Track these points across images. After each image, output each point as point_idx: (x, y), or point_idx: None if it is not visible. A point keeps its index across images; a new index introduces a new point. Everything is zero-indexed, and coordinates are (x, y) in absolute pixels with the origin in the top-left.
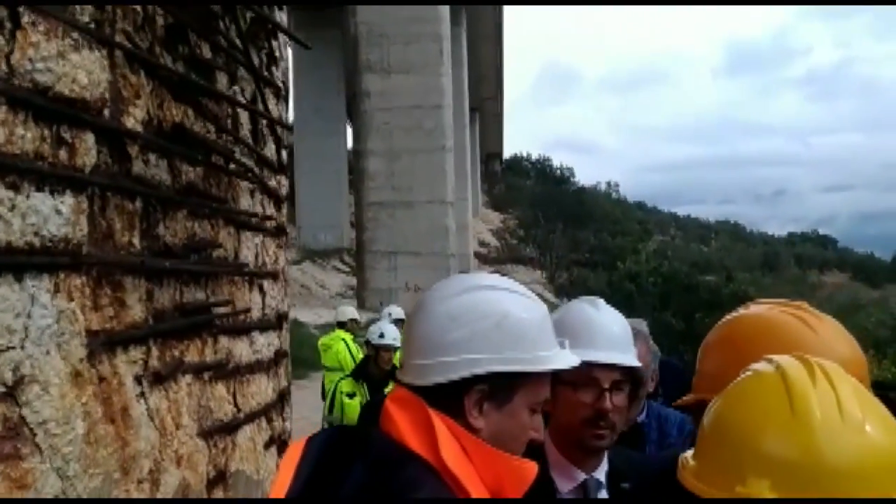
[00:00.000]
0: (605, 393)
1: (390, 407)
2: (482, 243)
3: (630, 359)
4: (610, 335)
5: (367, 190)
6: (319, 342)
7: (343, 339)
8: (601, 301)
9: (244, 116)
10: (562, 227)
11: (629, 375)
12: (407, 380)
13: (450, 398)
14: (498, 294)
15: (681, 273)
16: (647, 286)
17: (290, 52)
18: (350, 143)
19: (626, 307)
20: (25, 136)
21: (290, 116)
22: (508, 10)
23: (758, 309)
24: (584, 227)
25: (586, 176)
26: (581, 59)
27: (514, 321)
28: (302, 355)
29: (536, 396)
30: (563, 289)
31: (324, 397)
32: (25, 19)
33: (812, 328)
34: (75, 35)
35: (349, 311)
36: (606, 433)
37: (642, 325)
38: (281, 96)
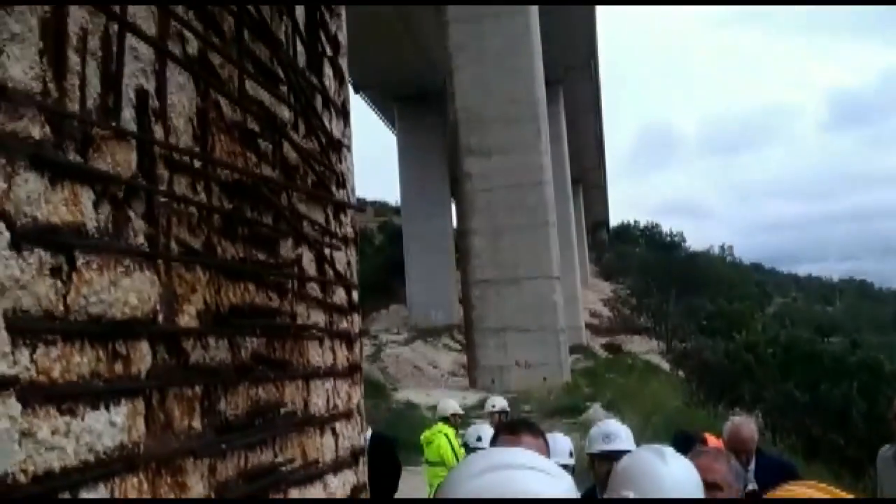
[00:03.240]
0: None
1: None
2: (594, 314)
3: None
4: (678, 491)
5: (473, 268)
6: (422, 436)
7: (445, 434)
8: (669, 451)
9: (310, 265)
10: (675, 294)
11: None
12: None
13: None
14: (519, 473)
15: (801, 341)
16: (765, 356)
17: (395, 139)
18: (455, 223)
19: (746, 379)
20: (81, 362)
21: (398, 200)
22: (605, 80)
23: None
24: (699, 293)
25: (697, 240)
26: (679, 121)
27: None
28: (414, 439)
29: None
30: (680, 359)
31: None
32: (80, 261)
33: None
34: (126, 261)
35: (451, 406)
36: None
37: (750, 424)
38: (350, 241)
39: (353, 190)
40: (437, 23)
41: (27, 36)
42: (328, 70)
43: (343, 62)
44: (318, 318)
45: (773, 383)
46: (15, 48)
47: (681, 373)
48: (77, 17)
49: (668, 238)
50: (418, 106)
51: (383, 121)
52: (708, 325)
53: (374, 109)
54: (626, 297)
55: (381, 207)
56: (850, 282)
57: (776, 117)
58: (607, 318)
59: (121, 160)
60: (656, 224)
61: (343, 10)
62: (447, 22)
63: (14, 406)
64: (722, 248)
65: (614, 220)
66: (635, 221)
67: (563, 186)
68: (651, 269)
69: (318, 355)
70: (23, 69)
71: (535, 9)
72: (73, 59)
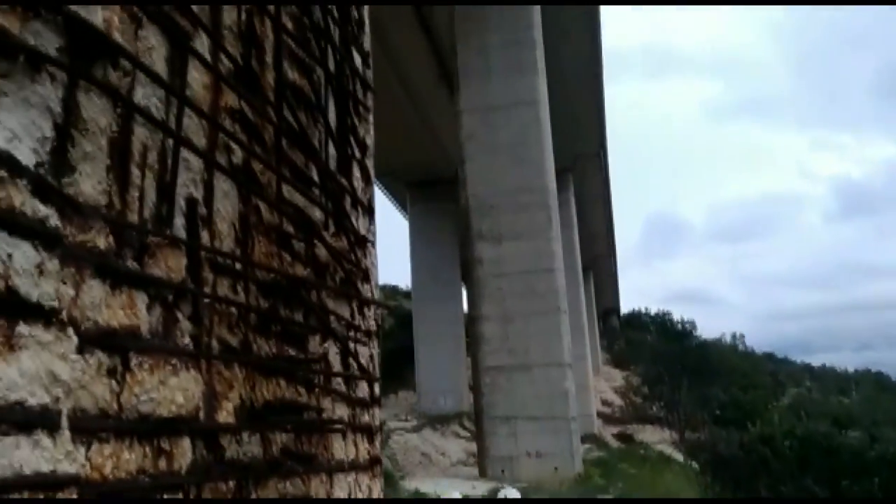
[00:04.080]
0: None
1: None
2: (605, 402)
3: None
4: None
5: (484, 354)
6: None
7: None
8: None
9: (335, 359)
10: (688, 383)
11: None
12: None
13: None
14: None
15: (818, 434)
16: (782, 449)
17: (407, 223)
18: (466, 308)
19: (762, 472)
20: (130, 459)
21: (408, 284)
22: (613, 169)
23: None
24: (711, 382)
25: (708, 328)
26: (686, 209)
27: None
28: None
29: None
30: (694, 450)
31: None
32: (134, 362)
33: None
34: (174, 361)
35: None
36: None
37: None
38: (373, 335)
39: (376, 285)
40: (450, 112)
41: (97, 154)
42: (356, 171)
43: (370, 163)
44: (343, 412)
45: (791, 477)
46: (87, 166)
47: (695, 464)
48: (140, 134)
49: (680, 326)
50: (430, 191)
51: (395, 205)
52: (721, 415)
53: (386, 194)
54: (638, 385)
55: (391, 291)
56: (865, 373)
57: (782, 207)
58: (619, 407)
59: (173, 265)
60: (667, 312)
61: (371, 116)
62: (460, 112)
63: None
64: (733, 336)
65: (625, 308)
66: (646, 309)
67: (574, 273)
68: (663, 357)
69: (341, 449)
70: (92, 185)
71: (545, 100)
72: (135, 173)
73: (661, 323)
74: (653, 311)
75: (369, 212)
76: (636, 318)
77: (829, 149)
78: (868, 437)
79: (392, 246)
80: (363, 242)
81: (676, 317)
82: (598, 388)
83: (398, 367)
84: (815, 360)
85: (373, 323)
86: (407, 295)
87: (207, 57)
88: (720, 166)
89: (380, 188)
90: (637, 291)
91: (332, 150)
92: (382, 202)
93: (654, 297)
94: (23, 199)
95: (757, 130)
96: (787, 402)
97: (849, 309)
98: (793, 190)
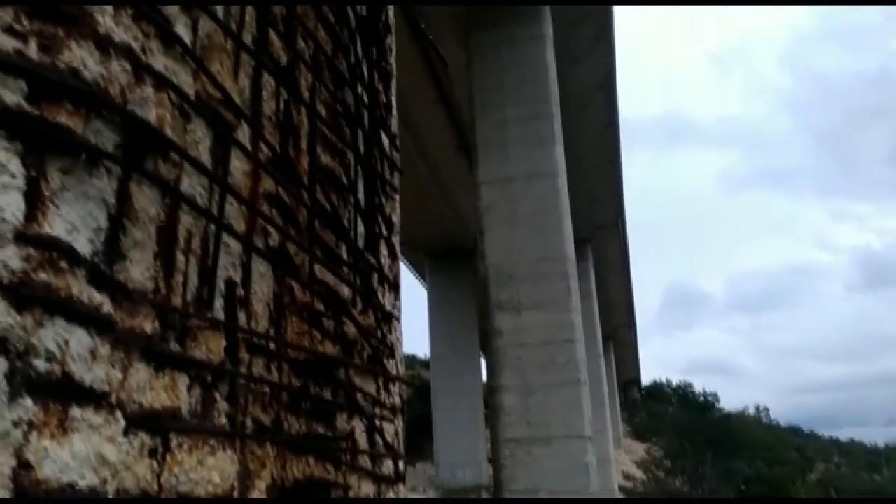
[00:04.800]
0: None
1: None
2: (626, 476)
3: None
4: None
5: (503, 426)
6: None
7: None
8: None
9: (361, 436)
10: (711, 456)
11: None
12: None
13: None
14: None
15: None
16: None
17: (425, 293)
18: (485, 379)
19: None
20: None
21: (426, 353)
22: (632, 240)
23: None
24: (735, 455)
25: (731, 400)
26: (705, 280)
27: None
28: None
29: None
30: None
31: None
32: (174, 442)
33: None
34: (212, 441)
35: None
36: None
37: None
38: (397, 411)
39: (401, 360)
40: (468, 183)
41: (146, 242)
42: (383, 248)
43: (396, 240)
44: (369, 489)
45: None
46: (136, 253)
47: None
48: (185, 221)
49: (702, 398)
50: (449, 261)
51: (414, 275)
52: (747, 490)
53: (405, 263)
54: (661, 458)
55: (409, 361)
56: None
57: (802, 277)
58: (641, 481)
59: (213, 347)
60: (689, 383)
61: (397, 196)
62: (479, 184)
63: None
64: (757, 409)
65: (646, 378)
66: (667, 380)
67: (594, 344)
68: (685, 429)
69: None
70: (141, 271)
71: (563, 170)
72: (180, 258)
73: (683, 394)
74: (674, 382)
75: (395, 288)
76: (657, 390)
77: (848, 219)
78: None
79: (410, 314)
80: (389, 318)
81: (698, 388)
82: (620, 461)
83: (416, 438)
84: (843, 435)
85: (398, 399)
86: (425, 364)
87: (248, 146)
88: (738, 237)
89: (401, 258)
90: (658, 361)
91: (360, 228)
92: (401, 271)
93: (675, 367)
94: (80, 288)
95: (775, 200)
96: (815, 477)
97: (875, 382)
98: (813, 260)
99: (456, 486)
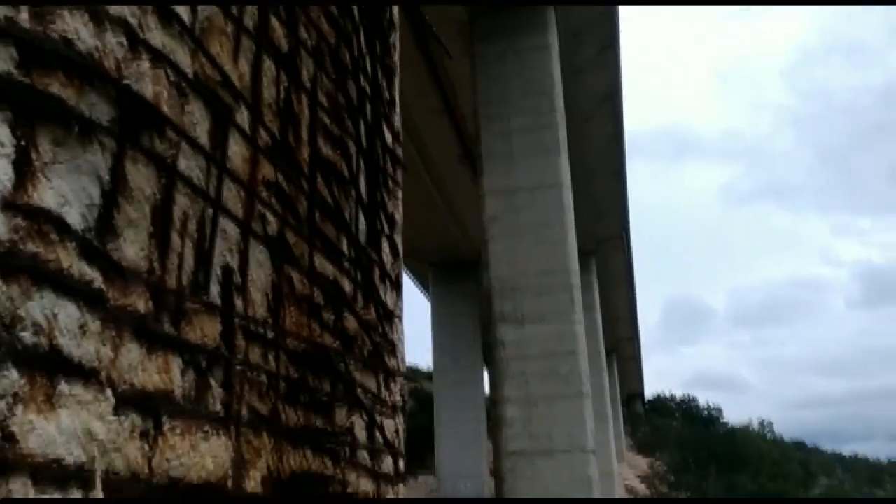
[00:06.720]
0: None
1: None
2: (630, 490)
3: None
4: None
5: (506, 438)
6: None
7: None
8: None
9: (361, 432)
10: (715, 471)
11: None
12: None
13: None
14: None
15: None
16: None
17: (428, 304)
18: (488, 391)
19: None
20: None
21: (429, 365)
22: (636, 253)
23: None
24: (739, 470)
25: (735, 414)
26: (707, 293)
27: None
28: None
29: None
30: None
31: None
32: (166, 425)
33: None
34: (206, 427)
35: None
36: None
37: None
38: (398, 409)
39: (402, 359)
40: (472, 194)
41: (141, 221)
42: (385, 245)
43: (398, 238)
44: (367, 486)
45: None
46: (130, 232)
47: None
48: (181, 202)
49: (706, 412)
50: (452, 273)
51: (417, 286)
52: None
53: (408, 274)
54: (664, 472)
55: (412, 372)
56: None
57: (804, 292)
58: (644, 496)
59: (207, 331)
60: (692, 397)
61: (400, 192)
62: (483, 194)
63: None
64: (761, 423)
65: (649, 391)
66: (670, 393)
67: (597, 357)
68: (688, 443)
69: None
70: (135, 250)
71: (568, 182)
72: (175, 240)
73: (687, 408)
74: (678, 396)
75: (397, 286)
76: (661, 404)
77: (850, 234)
78: None
79: (413, 325)
80: (391, 316)
81: (702, 402)
82: (623, 475)
83: (418, 450)
84: (846, 449)
85: (399, 397)
86: (427, 376)
87: (247, 130)
88: (740, 250)
89: (404, 269)
90: (661, 374)
91: (362, 223)
92: (404, 282)
93: (678, 381)
94: (70, 261)
95: (778, 214)
96: (819, 492)
97: (878, 397)
98: (816, 275)
99: (458, 498)
